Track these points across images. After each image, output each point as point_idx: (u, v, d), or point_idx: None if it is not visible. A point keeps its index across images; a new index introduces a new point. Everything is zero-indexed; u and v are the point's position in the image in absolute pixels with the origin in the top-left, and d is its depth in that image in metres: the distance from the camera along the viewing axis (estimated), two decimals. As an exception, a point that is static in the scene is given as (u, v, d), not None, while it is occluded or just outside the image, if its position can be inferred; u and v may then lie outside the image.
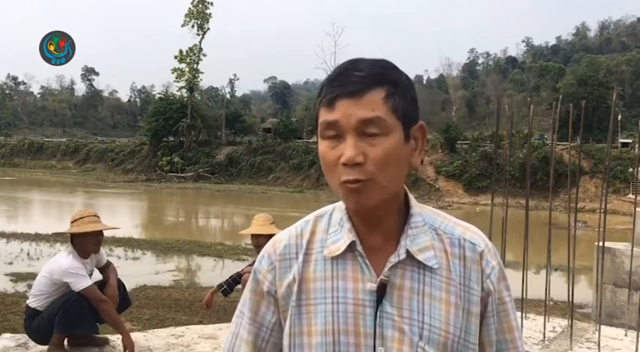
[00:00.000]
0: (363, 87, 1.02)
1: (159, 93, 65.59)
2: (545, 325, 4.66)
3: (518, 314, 4.34)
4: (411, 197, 1.13)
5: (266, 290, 1.14)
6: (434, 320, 1.06)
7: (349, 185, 1.02)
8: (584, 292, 10.61)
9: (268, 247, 1.17)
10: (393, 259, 1.06)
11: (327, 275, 1.09)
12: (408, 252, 1.07)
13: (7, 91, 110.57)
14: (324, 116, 1.04)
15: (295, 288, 1.10)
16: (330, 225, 1.13)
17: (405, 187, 1.12)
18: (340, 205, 1.14)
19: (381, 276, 1.06)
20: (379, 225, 1.09)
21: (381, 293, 1.05)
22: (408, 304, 1.06)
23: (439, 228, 1.12)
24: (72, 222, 4.17)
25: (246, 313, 1.17)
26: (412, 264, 1.07)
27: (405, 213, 1.11)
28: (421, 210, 1.13)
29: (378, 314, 1.05)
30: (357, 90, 1.02)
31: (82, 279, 4.01)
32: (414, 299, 1.06)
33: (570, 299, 4.75)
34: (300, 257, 1.12)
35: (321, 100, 1.05)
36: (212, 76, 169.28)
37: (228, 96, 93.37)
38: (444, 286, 1.07)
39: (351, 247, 1.08)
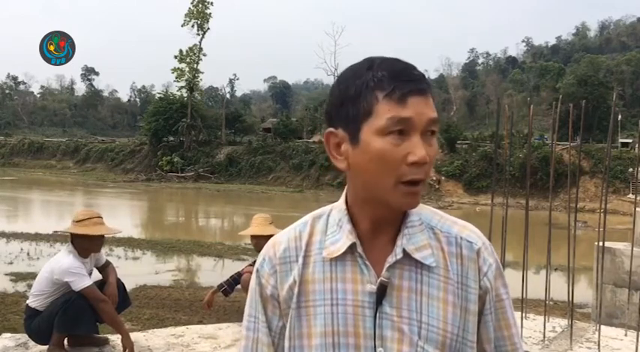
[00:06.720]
0: (427, 87, 1.02)
1: (159, 93, 65.50)
2: (545, 325, 4.66)
3: (517, 313, 4.37)
4: None
5: (269, 293, 1.13)
6: (432, 320, 1.05)
7: (412, 187, 1.01)
8: (584, 292, 10.59)
9: (268, 250, 1.16)
10: (391, 259, 1.06)
11: (326, 277, 1.08)
12: (404, 251, 1.06)
13: (7, 91, 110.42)
14: (396, 111, 0.99)
15: (296, 290, 1.09)
16: (328, 227, 1.12)
17: None
18: (339, 206, 1.13)
19: (381, 278, 1.05)
20: (385, 226, 1.09)
21: (381, 294, 1.05)
22: (406, 304, 1.05)
23: (436, 226, 1.11)
24: (77, 222, 4.14)
25: (260, 317, 1.15)
26: (410, 264, 1.07)
27: (402, 214, 1.10)
28: (418, 210, 1.11)
29: (377, 315, 1.04)
30: (426, 89, 1.01)
31: (83, 279, 4.01)
32: (413, 299, 1.06)
33: (570, 299, 4.75)
34: (300, 259, 1.11)
35: (388, 93, 1.00)
36: (212, 76, 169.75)
37: (228, 96, 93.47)
38: (441, 285, 1.07)
39: (350, 248, 1.07)
